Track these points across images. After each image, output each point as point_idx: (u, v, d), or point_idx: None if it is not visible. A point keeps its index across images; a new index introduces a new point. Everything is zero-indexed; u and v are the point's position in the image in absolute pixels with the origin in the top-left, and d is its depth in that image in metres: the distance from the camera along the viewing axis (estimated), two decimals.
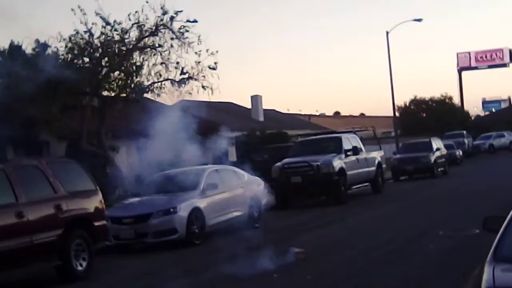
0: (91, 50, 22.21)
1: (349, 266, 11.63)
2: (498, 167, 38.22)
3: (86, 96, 22.74)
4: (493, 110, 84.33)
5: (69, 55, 22.16)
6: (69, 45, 21.97)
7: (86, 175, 13.55)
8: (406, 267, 11.13)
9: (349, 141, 25.07)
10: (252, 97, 49.95)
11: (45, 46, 21.93)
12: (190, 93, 22.71)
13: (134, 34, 22.27)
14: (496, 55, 77.68)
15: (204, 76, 22.54)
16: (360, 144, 25.58)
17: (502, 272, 4.54)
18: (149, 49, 22.45)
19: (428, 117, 68.49)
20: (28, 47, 21.90)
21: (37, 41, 21.64)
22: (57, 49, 21.93)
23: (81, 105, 22.65)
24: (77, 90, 21.92)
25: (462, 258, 10.81)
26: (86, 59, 22.44)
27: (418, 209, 20.18)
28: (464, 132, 55.27)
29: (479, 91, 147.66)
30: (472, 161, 47.16)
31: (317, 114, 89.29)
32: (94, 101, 22.93)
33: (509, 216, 5.20)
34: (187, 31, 22.11)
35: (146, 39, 22.37)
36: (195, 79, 22.56)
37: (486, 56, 77.49)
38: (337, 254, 13.00)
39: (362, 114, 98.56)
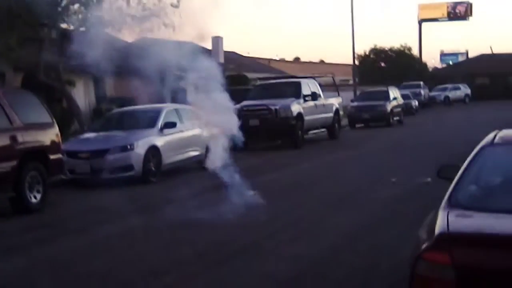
0: None
1: (301, 210, 11.80)
2: (452, 119, 38.82)
3: (44, 28, 22.29)
4: (451, 63, 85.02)
5: None
6: None
7: (43, 108, 13.41)
8: (358, 212, 11.32)
9: (308, 86, 25.15)
10: (213, 38, 49.40)
11: None
12: (151, 31, 22.41)
13: None
14: (457, 7, 78.04)
15: (166, 14, 22.21)
16: (319, 90, 25.69)
17: (456, 218, 4.64)
18: None
19: (387, 66, 68.95)
20: None
21: None
22: None
23: (39, 37, 22.22)
24: (35, 21, 21.45)
25: (414, 205, 11.02)
26: None
27: (372, 156, 20.43)
28: (421, 83, 55.79)
29: (438, 43, 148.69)
30: (427, 111, 47.75)
31: (277, 59, 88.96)
32: (52, 34, 22.51)
33: (465, 163, 5.31)
34: None
35: None
36: (157, 16, 22.21)
37: (447, 8, 77.79)
38: (290, 198, 13.16)
39: (321, 61, 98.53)
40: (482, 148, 5.50)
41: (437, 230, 4.48)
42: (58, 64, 22.35)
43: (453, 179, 5.23)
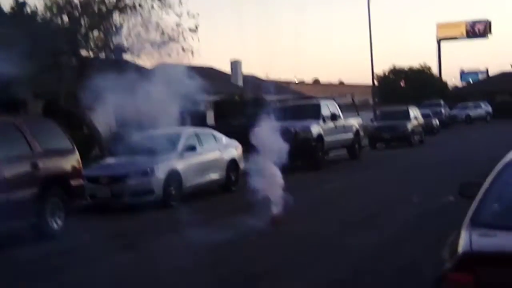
0: (71, 9, 21.91)
1: (323, 231, 11.70)
2: (474, 137, 38.53)
3: (64, 55, 22.48)
4: (471, 81, 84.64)
5: (48, 14, 21.86)
6: (48, 3, 21.65)
7: (63, 134, 13.47)
8: (380, 232, 11.22)
9: (328, 107, 25.12)
10: (232, 62, 49.68)
11: (23, 4, 21.64)
12: (170, 56, 22.53)
13: None
14: (476, 26, 77.81)
15: (184, 39, 22.36)
16: (338, 111, 25.64)
17: (479, 237, 4.56)
18: (129, 9, 22.18)
19: (406, 86, 68.69)
20: (6, 5, 21.58)
21: None
22: (36, 7, 21.64)
23: (59, 64, 22.40)
24: (55, 49, 21.65)
25: (436, 224, 10.92)
26: (65, 18, 22.14)
27: (394, 176, 20.32)
28: (442, 101, 55.45)
29: (457, 62, 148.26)
30: (448, 130, 47.44)
31: (296, 81, 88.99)
32: (73, 61, 22.69)
33: (488, 181, 5.23)
34: None
35: None
36: (175, 41, 22.36)
37: (465, 27, 77.57)
38: (312, 219, 13.09)
39: (341, 82, 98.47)
40: (505, 166, 5.41)
41: (460, 249, 4.40)
42: (78, 91, 22.51)
43: (475, 197, 5.14)
